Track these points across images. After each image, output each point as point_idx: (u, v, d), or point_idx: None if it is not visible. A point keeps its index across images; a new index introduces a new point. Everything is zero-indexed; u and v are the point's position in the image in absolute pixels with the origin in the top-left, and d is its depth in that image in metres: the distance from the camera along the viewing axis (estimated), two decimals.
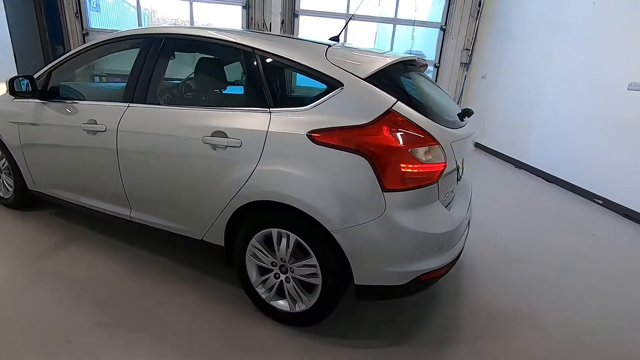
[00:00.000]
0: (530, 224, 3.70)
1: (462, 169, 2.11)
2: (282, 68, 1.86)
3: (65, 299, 2.06)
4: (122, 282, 2.25)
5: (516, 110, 6.26)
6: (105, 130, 2.22)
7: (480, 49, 7.80)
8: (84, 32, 7.53)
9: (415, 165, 1.58)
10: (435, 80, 8.26)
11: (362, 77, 1.68)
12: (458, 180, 2.01)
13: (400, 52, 8.07)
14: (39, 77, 2.59)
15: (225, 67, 2.37)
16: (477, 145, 7.50)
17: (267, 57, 1.88)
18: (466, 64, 8.14)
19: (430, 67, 8.24)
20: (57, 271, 2.32)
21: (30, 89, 2.52)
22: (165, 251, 2.58)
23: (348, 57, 1.79)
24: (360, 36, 7.98)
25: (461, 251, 1.96)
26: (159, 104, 2.17)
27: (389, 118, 1.61)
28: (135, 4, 7.58)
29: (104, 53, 2.53)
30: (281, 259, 1.85)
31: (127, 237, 2.74)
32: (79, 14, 7.40)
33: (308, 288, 1.84)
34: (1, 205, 3.16)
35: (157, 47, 2.19)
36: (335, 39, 2.46)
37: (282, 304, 1.93)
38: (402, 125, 1.61)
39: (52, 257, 2.47)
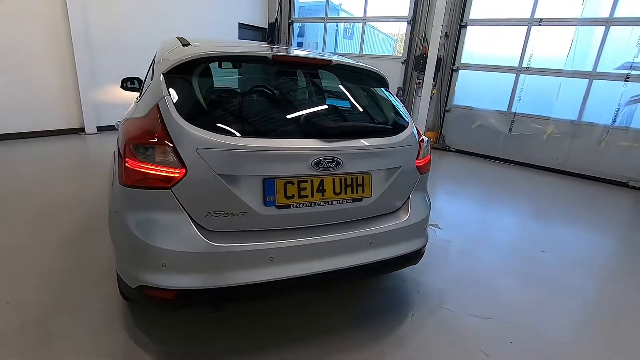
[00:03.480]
0: None
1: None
2: (152, 64, 2.04)
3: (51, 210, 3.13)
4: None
5: None
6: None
7: None
8: None
9: (136, 163, 1.47)
10: None
11: (163, 71, 1.68)
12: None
13: (574, 63, 5.66)
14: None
15: None
16: None
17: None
18: None
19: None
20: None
21: (137, 85, 3.78)
22: None
23: (179, 52, 1.76)
24: (548, 45, 6.11)
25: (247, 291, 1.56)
26: None
27: (153, 113, 1.57)
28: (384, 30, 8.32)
29: None
30: None
31: None
32: (287, 41, 9.52)
33: None
34: None
35: None
36: (271, 41, 2.34)
37: None
38: (154, 121, 1.53)
39: None
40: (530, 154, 6.49)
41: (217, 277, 1.53)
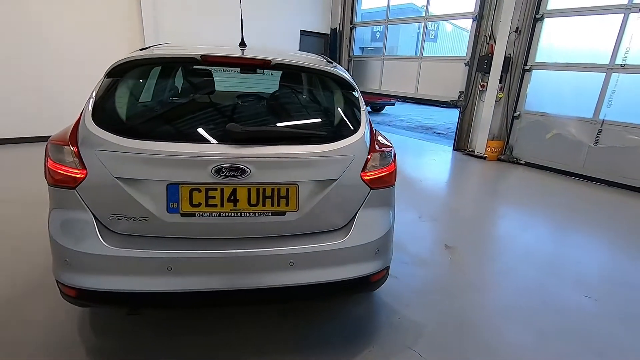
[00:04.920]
0: None
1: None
2: None
3: None
4: None
5: None
6: None
7: None
8: (349, 58, 9.48)
9: (52, 162, 1.53)
10: None
11: (105, 74, 1.73)
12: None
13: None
14: None
15: None
16: None
17: None
18: None
19: None
20: None
21: None
22: None
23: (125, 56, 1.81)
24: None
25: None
26: None
27: (80, 115, 1.64)
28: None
29: None
30: None
31: None
32: (349, 46, 9.40)
33: None
34: None
35: None
36: (242, 44, 2.27)
37: None
38: (75, 122, 1.59)
39: None
40: (622, 172, 5.22)
41: (112, 281, 1.51)
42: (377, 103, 13.20)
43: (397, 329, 2.14)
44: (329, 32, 9.45)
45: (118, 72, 1.67)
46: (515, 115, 6.35)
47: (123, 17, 6.41)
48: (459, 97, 7.11)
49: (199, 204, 1.53)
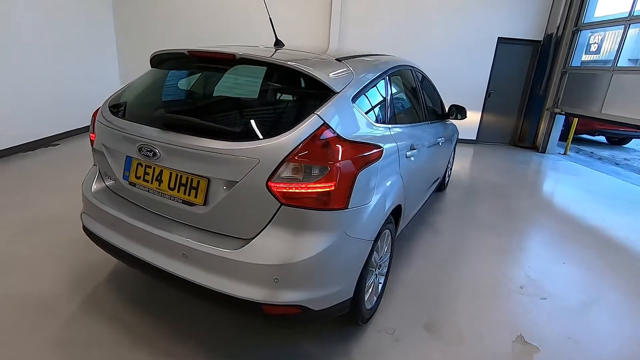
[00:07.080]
0: None
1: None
2: None
3: None
4: None
5: None
6: None
7: None
8: (563, 70, 7.33)
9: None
10: None
11: None
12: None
13: None
14: None
15: None
16: None
17: None
18: None
19: None
20: None
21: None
22: None
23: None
24: None
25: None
26: None
27: None
28: None
29: None
30: None
31: None
32: (567, 55, 7.25)
33: None
34: None
35: None
36: (277, 42, 2.30)
37: None
38: None
39: None
40: None
41: (90, 222, 1.97)
42: (618, 133, 9.49)
43: None
44: (541, 39, 7.65)
45: (151, 64, 2.12)
46: None
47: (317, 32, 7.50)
48: None
49: (140, 177, 1.76)
